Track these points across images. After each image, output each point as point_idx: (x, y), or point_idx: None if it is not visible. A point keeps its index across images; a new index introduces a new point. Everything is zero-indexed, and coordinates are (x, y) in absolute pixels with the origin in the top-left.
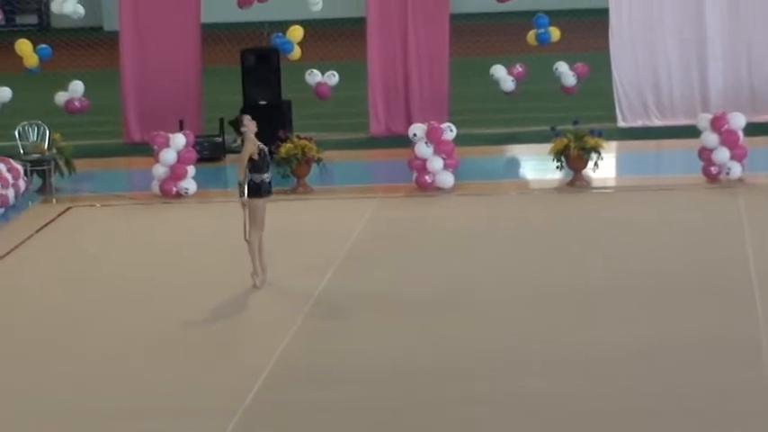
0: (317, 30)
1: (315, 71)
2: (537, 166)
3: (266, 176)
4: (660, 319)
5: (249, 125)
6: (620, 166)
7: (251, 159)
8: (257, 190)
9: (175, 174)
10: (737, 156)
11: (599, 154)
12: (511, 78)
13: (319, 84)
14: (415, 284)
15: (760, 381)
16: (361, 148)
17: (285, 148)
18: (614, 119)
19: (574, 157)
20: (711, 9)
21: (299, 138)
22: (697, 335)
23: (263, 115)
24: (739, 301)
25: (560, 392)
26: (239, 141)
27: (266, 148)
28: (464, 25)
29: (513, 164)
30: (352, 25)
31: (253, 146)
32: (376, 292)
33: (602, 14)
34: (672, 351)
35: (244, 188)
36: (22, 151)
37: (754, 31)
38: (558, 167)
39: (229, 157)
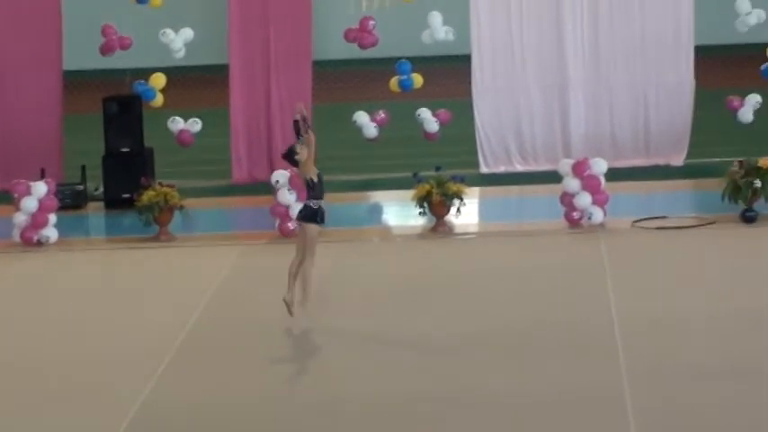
0: (180, 77)
1: (177, 118)
2: (399, 212)
3: (323, 203)
4: (519, 371)
5: (302, 152)
6: (483, 212)
7: (310, 183)
8: (313, 215)
9: (36, 222)
10: (599, 201)
11: (461, 200)
12: (373, 125)
13: (182, 131)
14: (277, 331)
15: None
16: (224, 195)
17: (147, 196)
18: (476, 165)
19: (436, 204)
20: (573, 56)
21: (161, 185)
22: (558, 387)
23: (124, 163)
24: (600, 350)
25: None
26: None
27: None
28: (326, 72)
29: (376, 210)
30: (215, 72)
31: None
32: (240, 338)
33: (464, 61)
34: (532, 405)
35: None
36: None
37: (615, 78)
38: (420, 214)
39: (91, 204)
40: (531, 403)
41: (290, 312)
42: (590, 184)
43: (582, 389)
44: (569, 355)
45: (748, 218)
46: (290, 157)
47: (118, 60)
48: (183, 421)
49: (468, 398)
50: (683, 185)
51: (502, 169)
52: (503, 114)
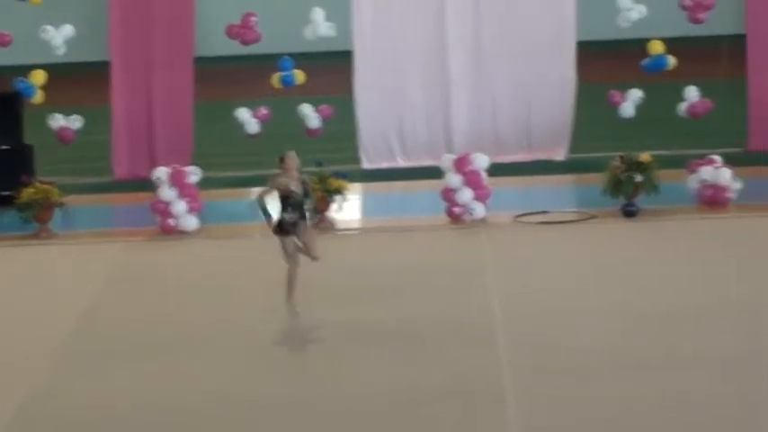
0: (61, 73)
1: (57, 115)
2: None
3: (286, 216)
4: (400, 365)
5: (289, 162)
6: (365, 208)
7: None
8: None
9: None
10: (480, 196)
11: (343, 196)
12: (255, 121)
13: (62, 128)
14: (161, 326)
15: (505, 426)
16: (105, 191)
17: (27, 193)
18: (358, 161)
19: (318, 199)
20: (455, 52)
21: (41, 182)
22: (439, 380)
23: (4, 160)
24: (481, 343)
25: None
26: None
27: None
28: (208, 68)
29: (258, 207)
30: (97, 69)
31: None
32: (120, 335)
33: (346, 57)
34: (413, 398)
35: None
36: None
37: (498, 73)
38: None
39: None
40: (411, 397)
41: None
42: (472, 180)
43: (463, 382)
44: (450, 348)
45: (629, 212)
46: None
47: None
48: (67, 421)
49: (341, 392)
50: (565, 180)
51: (384, 165)
52: (385, 110)
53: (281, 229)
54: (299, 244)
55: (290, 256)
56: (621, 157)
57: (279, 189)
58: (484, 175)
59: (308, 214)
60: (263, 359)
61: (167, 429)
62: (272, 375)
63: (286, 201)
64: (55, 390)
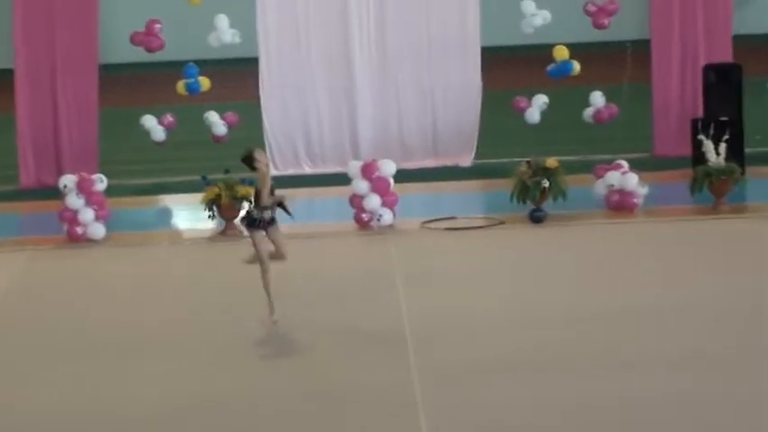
0: None
1: None
2: (189, 215)
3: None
4: (310, 372)
5: (262, 159)
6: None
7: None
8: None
9: None
10: (388, 202)
11: (250, 203)
12: (161, 128)
13: None
14: (71, 333)
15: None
16: (11, 200)
17: None
18: None
19: (225, 207)
20: (360, 58)
21: None
22: (350, 387)
23: None
24: (391, 350)
25: None
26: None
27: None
28: (113, 75)
29: (165, 214)
30: (0, 77)
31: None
32: (31, 343)
33: (252, 63)
34: (328, 403)
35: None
36: None
37: (402, 79)
38: (209, 217)
39: None
40: (322, 405)
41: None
42: (379, 186)
43: (373, 389)
44: (360, 355)
45: (536, 218)
46: (249, 161)
47: None
48: None
49: (251, 394)
50: (472, 186)
51: (290, 171)
52: (291, 117)
53: (255, 223)
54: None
55: (261, 255)
56: (528, 163)
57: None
58: (391, 181)
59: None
60: (169, 363)
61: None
62: (182, 378)
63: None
64: None
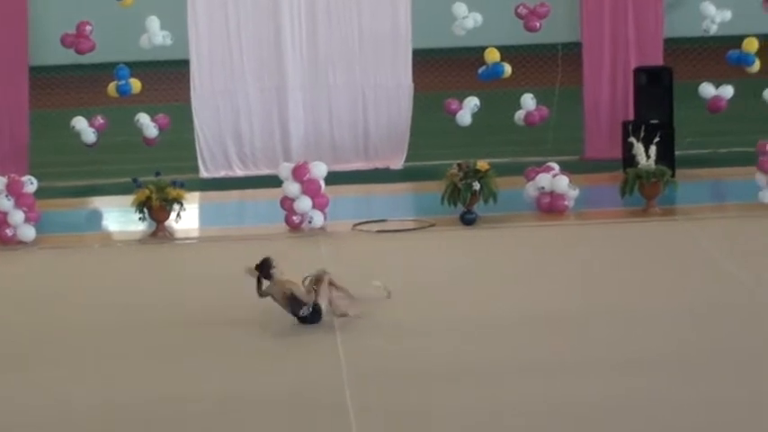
0: None
1: None
2: (119, 217)
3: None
4: (242, 374)
5: (279, 266)
6: (203, 217)
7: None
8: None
9: None
10: (319, 204)
11: (181, 205)
12: (92, 130)
13: None
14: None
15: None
16: None
17: None
18: (197, 170)
19: (156, 209)
20: (291, 59)
21: None
22: (280, 390)
23: None
24: (321, 354)
25: None
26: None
27: None
28: (44, 77)
29: (96, 216)
30: None
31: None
32: None
33: (183, 65)
34: (258, 407)
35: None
36: None
37: (334, 80)
38: (140, 219)
39: None
40: (254, 406)
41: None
42: (310, 188)
43: (304, 393)
44: (290, 358)
45: (468, 220)
46: (265, 268)
47: None
48: None
49: (167, 397)
50: (403, 188)
51: (222, 174)
52: (222, 119)
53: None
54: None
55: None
56: (459, 165)
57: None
58: (322, 183)
59: None
60: (100, 367)
61: None
62: (111, 381)
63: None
64: None
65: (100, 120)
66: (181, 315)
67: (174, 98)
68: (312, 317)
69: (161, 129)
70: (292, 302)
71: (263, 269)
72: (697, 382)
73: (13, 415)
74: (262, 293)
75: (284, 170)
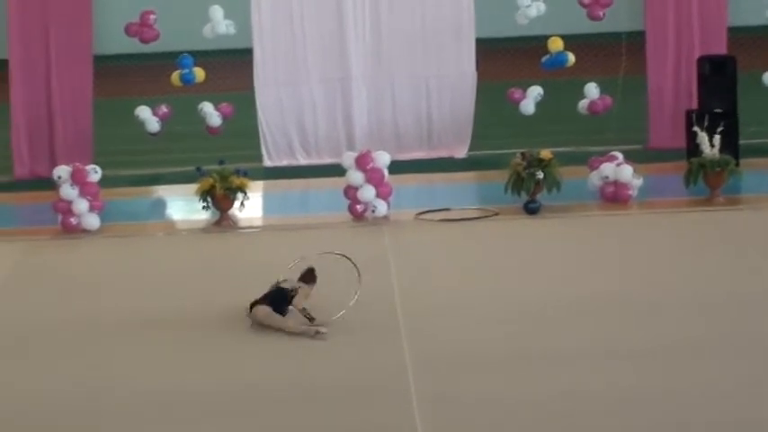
0: None
1: None
2: (183, 206)
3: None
4: (305, 361)
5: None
6: (267, 206)
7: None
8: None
9: None
10: (383, 193)
11: (245, 194)
12: (156, 119)
13: None
14: (65, 323)
15: (410, 421)
16: (6, 191)
17: None
18: (260, 158)
19: (219, 197)
20: (355, 48)
21: None
22: (343, 377)
23: None
24: (385, 340)
25: None
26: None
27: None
28: (108, 66)
29: (160, 205)
30: None
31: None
32: (23, 333)
33: (246, 54)
34: (322, 393)
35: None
36: None
37: (397, 71)
38: (204, 208)
39: None
40: (318, 392)
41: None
42: (373, 177)
43: (367, 379)
44: (355, 345)
45: (531, 209)
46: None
47: None
48: None
49: (245, 385)
50: (466, 177)
51: (285, 163)
52: (285, 108)
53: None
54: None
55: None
56: (523, 154)
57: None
58: (385, 172)
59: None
60: (166, 355)
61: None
62: (178, 366)
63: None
64: None
65: (164, 109)
66: (244, 303)
67: (238, 87)
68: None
69: (225, 117)
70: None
71: (309, 276)
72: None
73: (65, 399)
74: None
75: (348, 159)
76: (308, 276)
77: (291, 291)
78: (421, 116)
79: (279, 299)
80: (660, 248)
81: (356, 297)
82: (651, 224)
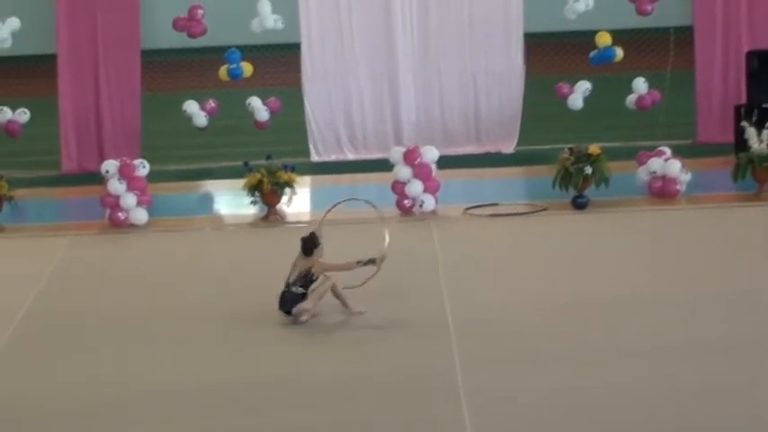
0: (7, 67)
1: (5, 108)
2: (231, 201)
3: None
4: (352, 358)
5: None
6: (315, 201)
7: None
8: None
9: None
10: (430, 188)
11: (293, 188)
12: (204, 114)
13: (10, 121)
14: (108, 319)
15: (458, 417)
16: (54, 185)
17: None
18: (308, 153)
19: (267, 192)
20: (402, 44)
21: None
22: (393, 372)
23: None
24: (434, 336)
25: None
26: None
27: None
28: (156, 61)
29: (207, 199)
30: (43, 62)
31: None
32: (71, 327)
33: (294, 49)
34: (371, 388)
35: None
36: None
37: (445, 65)
38: (252, 203)
39: None
40: (367, 387)
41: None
42: (421, 172)
43: (416, 375)
44: (404, 341)
45: (579, 204)
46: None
47: None
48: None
49: (294, 383)
50: (514, 173)
51: (333, 158)
52: (333, 103)
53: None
54: None
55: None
56: (571, 149)
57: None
58: (433, 167)
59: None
60: (214, 350)
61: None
62: (226, 362)
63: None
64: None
65: (211, 103)
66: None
67: (286, 82)
68: (292, 297)
69: (272, 112)
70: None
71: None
72: None
73: (103, 392)
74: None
75: (395, 154)
76: (307, 246)
77: (308, 273)
78: (468, 111)
79: (308, 282)
80: (708, 244)
81: (387, 240)
82: (699, 219)
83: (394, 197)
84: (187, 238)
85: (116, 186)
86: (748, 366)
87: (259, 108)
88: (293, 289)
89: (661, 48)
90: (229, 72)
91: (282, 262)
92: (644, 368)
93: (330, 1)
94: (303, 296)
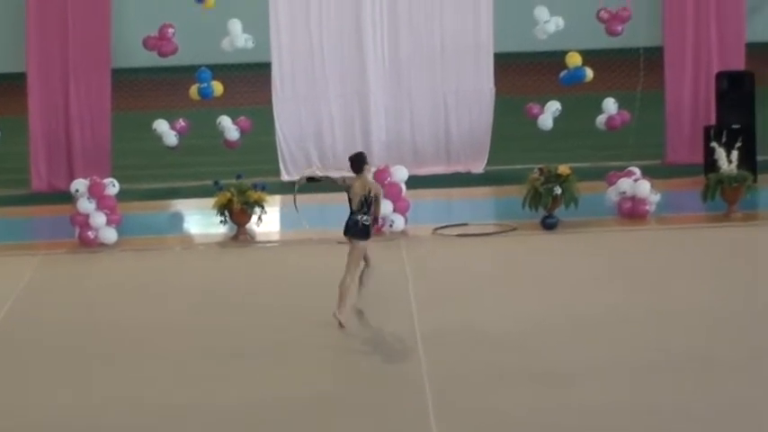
0: None
1: None
2: (200, 220)
3: (363, 218)
4: (323, 378)
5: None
6: (285, 220)
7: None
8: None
9: None
10: (400, 208)
11: (262, 208)
12: (174, 133)
13: None
14: (77, 335)
15: None
16: (23, 204)
17: None
18: (278, 173)
19: (237, 212)
20: (373, 64)
21: None
22: (362, 392)
23: None
24: (403, 355)
25: None
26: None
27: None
28: (126, 79)
29: (177, 219)
30: (13, 80)
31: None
32: (39, 344)
33: (265, 68)
34: (343, 407)
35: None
36: None
37: (416, 86)
38: (221, 222)
39: None
40: (333, 408)
41: (342, 326)
42: (391, 192)
43: (385, 394)
44: (372, 360)
45: (549, 224)
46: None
47: None
48: None
49: (258, 404)
50: (484, 193)
51: None
52: (303, 122)
53: (358, 232)
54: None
55: (355, 265)
56: (540, 170)
57: (356, 191)
58: (403, 187)
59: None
60: (182, 368)
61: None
62: (192, 384)
63: (364, 203)
64: None
65: (182, 122)
66: (262, 318)
67: (256, 101)
68: (363, 228)
69: (243, 131)
70: (365, 204)
71: (358, 161)
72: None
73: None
74: (344, 181)
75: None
76: (358, 163)
77: (368, 196)
78: (439, 131)
79: (368, 206)
80: (677, 264)
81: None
82: (668, 240)
83: None
84: (157, 257)
85: (86, 205)
86: (721, 383)
87: (229, 127)
88: (358, 217)
89: (631, 68)
90: (200, 91)
91: (251, 281)
92: (613, 386)
93: (301, 20)
94: (366, 229)
